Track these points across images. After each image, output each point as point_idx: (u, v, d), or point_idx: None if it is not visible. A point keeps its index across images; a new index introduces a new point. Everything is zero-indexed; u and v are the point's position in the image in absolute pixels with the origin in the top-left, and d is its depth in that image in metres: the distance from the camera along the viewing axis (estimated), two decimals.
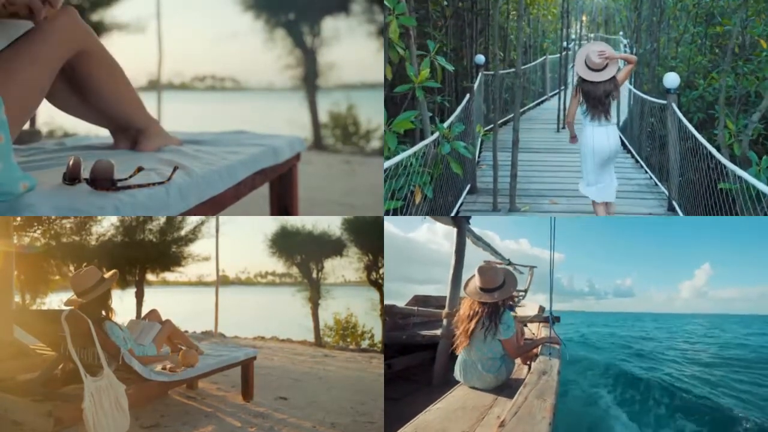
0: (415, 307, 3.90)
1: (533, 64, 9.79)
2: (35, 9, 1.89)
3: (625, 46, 9.87)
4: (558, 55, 9.50)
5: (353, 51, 9.19)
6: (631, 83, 6.81)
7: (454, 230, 3.54)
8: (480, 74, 6.20)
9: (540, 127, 7.89)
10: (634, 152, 6.39)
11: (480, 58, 6.40)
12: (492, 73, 7.03)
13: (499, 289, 2.55)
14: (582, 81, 3.41)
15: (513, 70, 8.04)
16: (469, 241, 3.75)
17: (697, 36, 6.54)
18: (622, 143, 6.30)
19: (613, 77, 3.40)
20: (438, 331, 3.53)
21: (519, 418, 1.56)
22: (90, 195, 1.78)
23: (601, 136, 3.44)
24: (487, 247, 5.28)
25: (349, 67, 9.38)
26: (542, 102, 10.11)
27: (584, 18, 12.17)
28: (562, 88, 8.19)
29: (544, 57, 10.29)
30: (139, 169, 1.93)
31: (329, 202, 5.71)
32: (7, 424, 2.09)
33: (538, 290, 6.63)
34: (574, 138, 3.69)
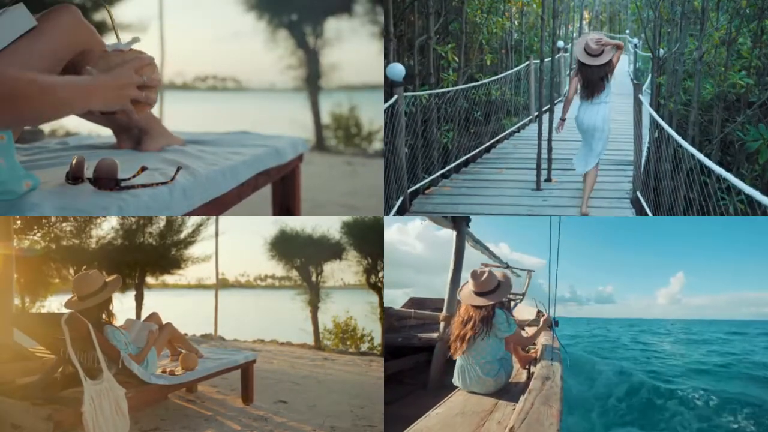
0: (412, 310, 3.86)
1: (506, 74, 6.64)
2: (128, 110, 1.84)
3: (634, 46, 9.13)
4: (556, 56, 6.42)
5: (355, 52, 9.18)
6: (651, 104, 4.91)
7: (434, 232, 3.50)
8: (396, 96, 3.84)
9: (511, 180, 4.95)
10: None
11: (396, 70, 3.79)
12: (431, 92, 4.73)
13: (494, 293, 2.54)
14: (581, 65, 3.85)
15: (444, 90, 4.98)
16: (467, 245, 3.72)
17: (757, 33, 4.69)
18: (640, 210, 4.37)
19: (609, 61, 3.83)
20: (434, 334, 3.49)
21: (528, 425, 1.56)
22: (93, 195, 1.75)
23: (592, 112, 3.89)
24: (486, 250, 5.24)
25: (352, 68, 9.37)
26: (525, 126, 7.04)
27: (587, 15, 11.15)
28: (547, 107, 5.04)
29: (527, 62, 7.18)
30: (143, 169, 1.91)
31: (331, 203, 5.69)
32: (6, 428, 2.06)
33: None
34: (562, 123, 4.05)
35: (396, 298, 5.15)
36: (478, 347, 2.46)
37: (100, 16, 8.43)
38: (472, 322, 2.48)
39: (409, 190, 4.30)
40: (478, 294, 2.54)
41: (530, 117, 7.08)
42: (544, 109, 5.01)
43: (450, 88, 5.08)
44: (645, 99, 4.61)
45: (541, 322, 2.93)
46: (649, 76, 6.05)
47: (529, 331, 3.83)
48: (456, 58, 5.20)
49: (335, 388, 4.21)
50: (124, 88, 1.76)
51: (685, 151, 3.48)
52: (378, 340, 6.91)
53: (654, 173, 4.32)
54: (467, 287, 2.61)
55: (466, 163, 5.40)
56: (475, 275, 2.57)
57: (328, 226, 7.04)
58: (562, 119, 4.07)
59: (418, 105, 4.70)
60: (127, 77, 1.77)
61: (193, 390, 3.69)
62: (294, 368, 5.14)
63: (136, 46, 1.93)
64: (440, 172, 4.92)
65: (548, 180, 4.69)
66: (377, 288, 6.83)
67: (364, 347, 7.05)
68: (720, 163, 4.58)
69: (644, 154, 4.54)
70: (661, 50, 5.33)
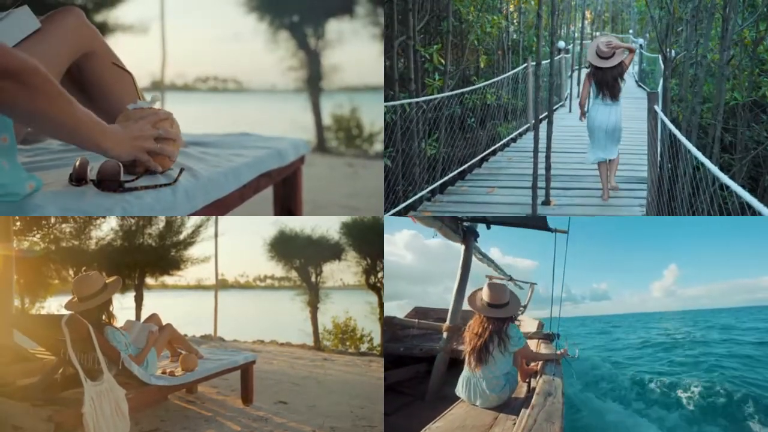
0: (416, 320, 3.83)
1: (501, 77, 5.95)
2: (151, 166, 1.92)
3: (639, 46, 9.15)
4: (556, 57, 5.99)
5: (357, 53, 9.17)
6: (665, 111, 4.35)
7: (423, 241, 3.45)
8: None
9: (503, 203, 4.28)
10: None
11: None
12: (409, 101, 4.19)
13: (507, 305, 2.52)
14: (594, 68, 3.97)
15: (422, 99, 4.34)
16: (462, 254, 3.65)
17: None
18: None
19: (621, 62, 3.96)
20: (437, 345, 3.44)
21: None
22: (97, 196, 1.76)
23: (605, 114, 4.01)
24: (491, 263, 5.22)
25: (353, 69, 9.36)
26: (522, 135, 6.33)
27: (588, 14, 10.84)
28: (545, 114, 4.48)
29: (525, 64, 6.55)
30: (146, 171, 1.91)
31: (332, 205, 5.70)
32: (7, 429, 2.06)
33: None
34: (584, 115, 4.20)
35: (390, 310, 4.95)
36: (487, 361, 2.44)
37: (101, 17, 8.44)
38: (488, 334, 2.45)
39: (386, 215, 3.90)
40: (495, 306, 2.50)
41: (527, 125, 6.49)
42: (541, 116, 4.39)
43: (433, 96, 4.51)
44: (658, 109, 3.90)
45: (557, 354, 2.94)
46: (661, 80, 5.37)
47: (530, 343, 3.82)
48: (443, 61, 4.66)
49: (335, 389, 4.21)
50: (137, 140, 1.84)
51: (707, 169, 2.79)
52: (377, 340, 6.91)
53: (668, 191, 3.70)
54: (479, 299, 2.56)
55: (455, 179, 4.82)
56: (492, 287, 2.54)
57: (328, 226, 7.05)
58: (583, 115, 4.21)
59: (398, 114, 4.19)
60: (141, 129, 1.86)
61: (193, 391, 3.69)
62: (294, 369, 5.14)
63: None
64: (420, 194, 4.29)
65: (546, 203, 4.05)
66: (376, 288, 6.84)
67: (363, 348, 7.06)
68: (745, 179, 4.62)
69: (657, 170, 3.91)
70: (672, 51, 4.84)
